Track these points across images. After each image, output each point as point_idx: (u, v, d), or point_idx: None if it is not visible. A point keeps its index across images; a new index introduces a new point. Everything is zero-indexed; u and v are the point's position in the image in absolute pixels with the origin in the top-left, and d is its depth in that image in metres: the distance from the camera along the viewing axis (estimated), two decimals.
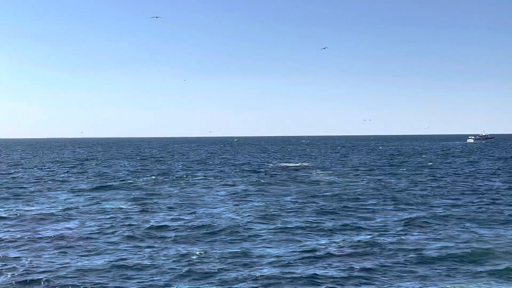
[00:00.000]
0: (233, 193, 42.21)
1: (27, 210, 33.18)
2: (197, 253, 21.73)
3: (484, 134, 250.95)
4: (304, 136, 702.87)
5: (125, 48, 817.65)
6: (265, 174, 60.81)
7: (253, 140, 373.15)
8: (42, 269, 19.57)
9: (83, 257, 21.24)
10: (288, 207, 34.11)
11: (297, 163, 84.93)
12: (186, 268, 19.64)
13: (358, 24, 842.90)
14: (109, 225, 28.01)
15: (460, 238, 24.37)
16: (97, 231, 26.31)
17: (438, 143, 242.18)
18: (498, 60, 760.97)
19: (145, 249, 22.58)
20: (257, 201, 37.16)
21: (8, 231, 26.72)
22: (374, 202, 36.58)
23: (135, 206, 34.92)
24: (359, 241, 23.82)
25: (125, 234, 25.42)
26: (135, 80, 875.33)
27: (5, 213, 31.97)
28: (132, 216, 30.93)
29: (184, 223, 28.50)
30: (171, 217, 30.59)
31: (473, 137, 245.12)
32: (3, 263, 20.56)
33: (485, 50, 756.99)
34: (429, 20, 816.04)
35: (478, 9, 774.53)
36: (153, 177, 57.62)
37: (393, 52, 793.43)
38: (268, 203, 36.18)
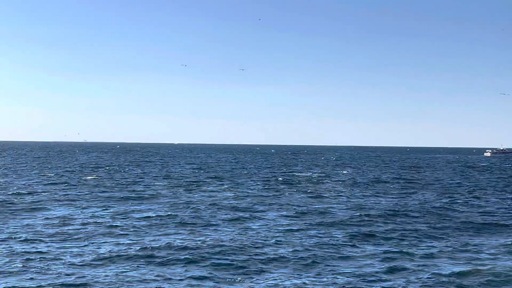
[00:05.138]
0: None
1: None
2: None
3: (502, 148, 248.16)
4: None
5: (127, 53, 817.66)
6: None
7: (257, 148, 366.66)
8: None
9: None
10: None
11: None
12: None
13: (361, 34, 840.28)
14: None
15: None
16: None
17: (462, 156, 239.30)
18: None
19: None
20: None
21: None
22: None
23: None
24: None
25: None
26: (137, 86, 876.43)
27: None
28: None
29: None
30: None
31: (490, 151, 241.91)
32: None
33: (501, 64, 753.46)
34: (438, 33, 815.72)
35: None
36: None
37: (401, 62, 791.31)
38: None
